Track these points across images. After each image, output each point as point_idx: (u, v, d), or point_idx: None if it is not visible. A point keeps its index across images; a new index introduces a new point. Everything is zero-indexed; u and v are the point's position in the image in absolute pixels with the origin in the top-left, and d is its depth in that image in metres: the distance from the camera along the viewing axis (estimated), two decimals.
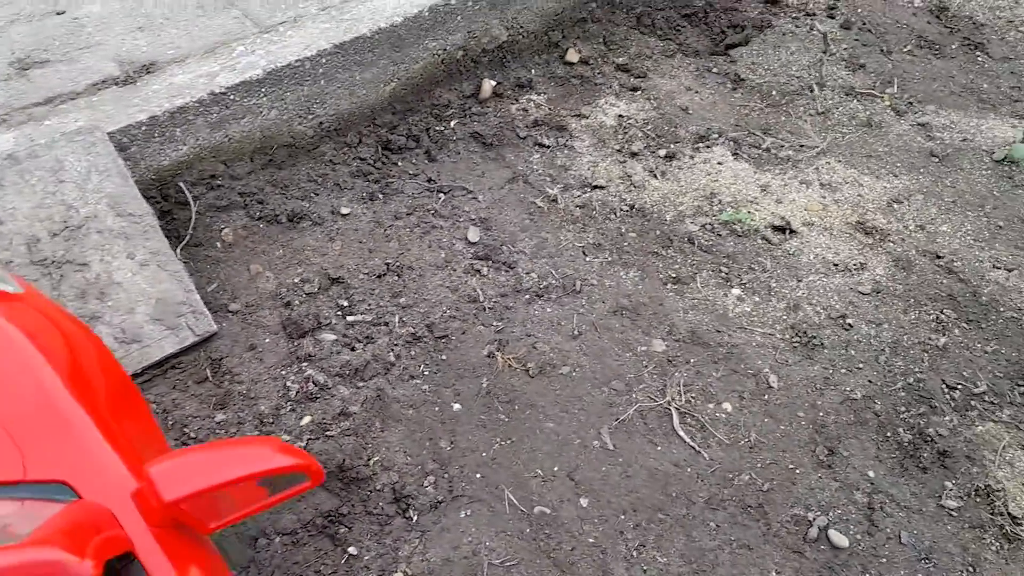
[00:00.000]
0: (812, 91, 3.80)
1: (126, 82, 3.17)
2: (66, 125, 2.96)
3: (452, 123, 3.64)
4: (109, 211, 2.80)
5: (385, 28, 3.45)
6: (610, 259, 3.10)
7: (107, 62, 3.28)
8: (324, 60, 3.34)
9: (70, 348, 1.64)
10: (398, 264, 3.06)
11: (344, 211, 3.24)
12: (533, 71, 3.91)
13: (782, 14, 4.27)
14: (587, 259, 3.10)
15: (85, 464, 1.39)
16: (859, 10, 4.31)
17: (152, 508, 1.35)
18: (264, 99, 3.25)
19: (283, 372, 2.72)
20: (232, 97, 3.17)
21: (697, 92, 3.81)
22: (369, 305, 2.93)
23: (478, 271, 3.05)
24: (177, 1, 3.61)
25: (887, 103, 3.74)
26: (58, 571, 1.13)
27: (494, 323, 2.89)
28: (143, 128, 3.01)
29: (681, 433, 2.55)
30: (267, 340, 2.82)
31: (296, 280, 3.00)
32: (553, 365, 2.75)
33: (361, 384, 2.68)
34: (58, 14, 3.54)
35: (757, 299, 2.95)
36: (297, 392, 2.65)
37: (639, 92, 3.80)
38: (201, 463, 1.40)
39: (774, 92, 3.82)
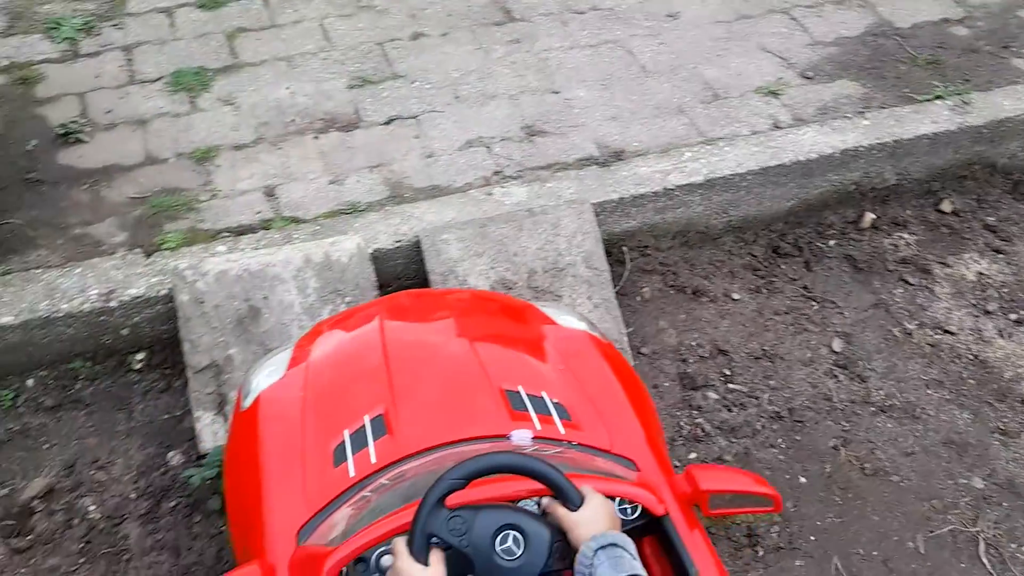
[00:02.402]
0: None
1: (603, 164, 4.26)
2: (561, 191, 4.10)
3: (831, 242, 4.42)
4: (582, 263, 3.89)
5: (801, 161, 4.30)
6: (948, 397, 3.76)
7: (588, 143, 4.41)
8: (748, 177, 4.25)
9: (628, 378, 2.60)
10: (772, 352, 3.91)
11: (735, 296, 4.15)
12: (908, 212, 4.58)
13: None
14: (928, 392, 3.78)
15: (641, 453, 2.25)
16: None
17: (679, 492, 2.06)
18: (697, 197, 4.22)
19: (677, 413, 3.69)
20: (676, 193, 4.17)
21: None
22: (745, 379, 3.82)
23: (835, 376, 3.83)
24: (641, 99, 4.68)
25: None
26: (644, 503, 1.96)
27: (842, 423, 3.67)
28: (612, 204, 4.09)
29: (984, 560, 3.21)
30: (666, 384, 3.80)
31: (692, 343, 3.95)
32: (886, 472, 3.49)
33: (734, 440, 3.58)
34: (553, 93, 4.73)
35: None
36: (688, 432, 3.60)
37: (1001, 255, 4.35)
38: (720, 474, 2.20)
39: None
